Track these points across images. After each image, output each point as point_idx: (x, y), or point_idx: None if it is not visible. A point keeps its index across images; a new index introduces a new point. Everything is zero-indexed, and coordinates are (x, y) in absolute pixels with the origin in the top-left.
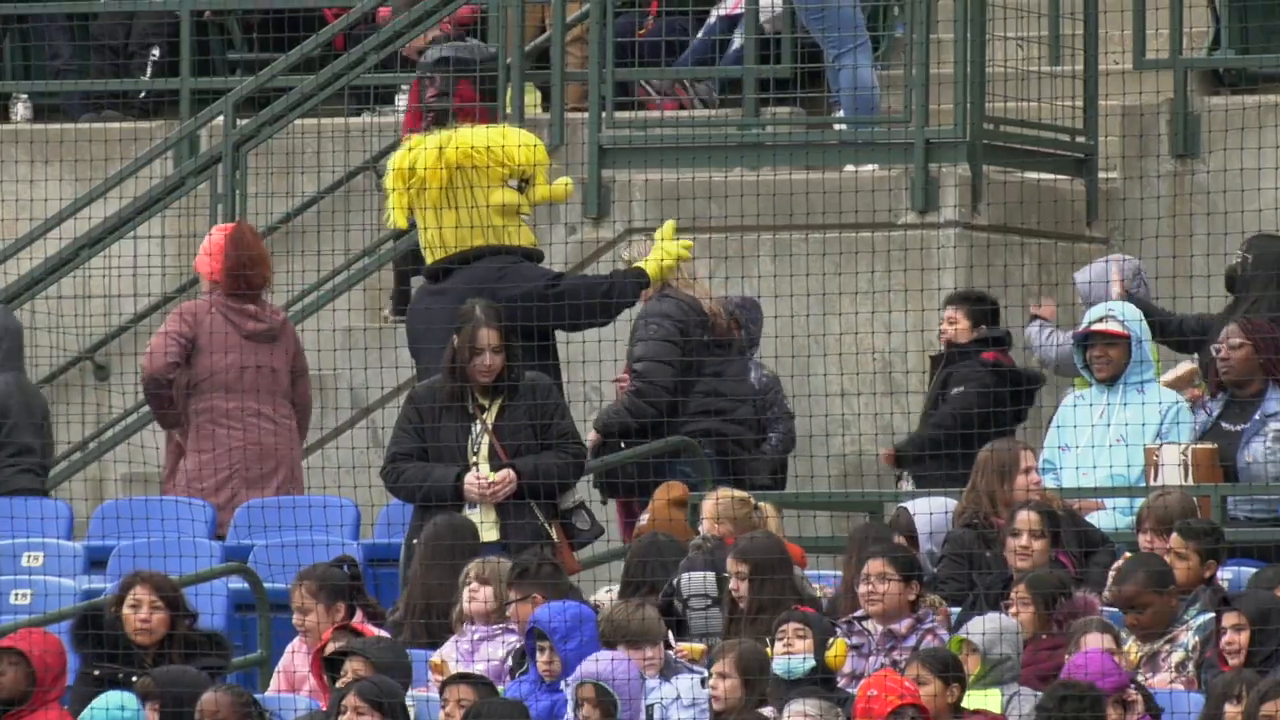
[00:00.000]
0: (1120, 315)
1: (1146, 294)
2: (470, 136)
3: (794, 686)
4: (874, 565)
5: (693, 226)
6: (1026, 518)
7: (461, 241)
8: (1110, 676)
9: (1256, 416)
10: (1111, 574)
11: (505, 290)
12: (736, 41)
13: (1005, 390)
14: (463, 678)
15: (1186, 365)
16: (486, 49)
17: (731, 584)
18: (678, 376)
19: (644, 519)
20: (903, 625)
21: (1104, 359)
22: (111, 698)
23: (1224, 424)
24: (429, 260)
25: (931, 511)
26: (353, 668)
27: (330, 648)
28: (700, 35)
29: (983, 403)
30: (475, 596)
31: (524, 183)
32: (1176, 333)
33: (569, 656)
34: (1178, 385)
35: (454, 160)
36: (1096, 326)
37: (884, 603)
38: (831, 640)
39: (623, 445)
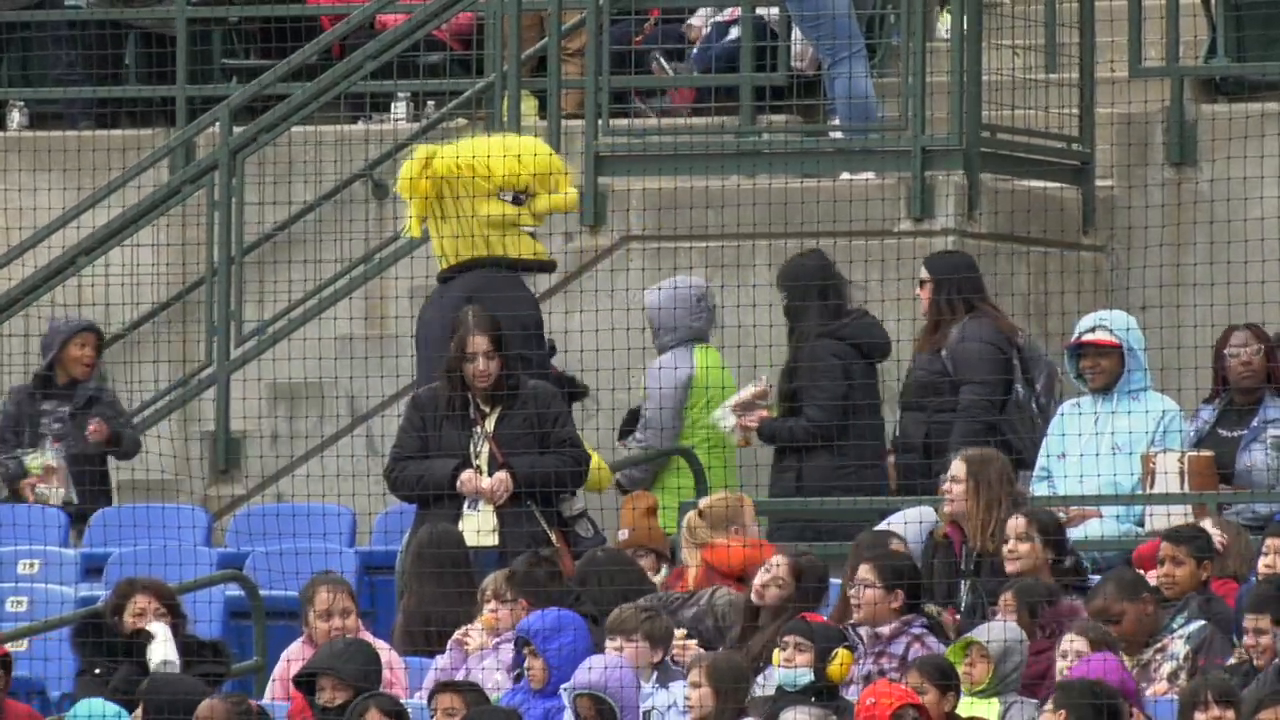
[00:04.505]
0: (1110, 325)
1: (708, 320)
2: (456, 149)
3: (789, 695)
4: (861, 570)
5: (690, 234)
6: (1013, 523)
7: (459, 252)
8: (1112, 679)
9: (1255, 422)
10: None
11: (498, 302)
12: (733, 33)
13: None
14: (450, 685)
15: (751, 388)
16: None
17: (763, 579)
18: None
19: (624, 534)
20: (887, 629)
21: (1096, 369)
22: (94, 705)
23: (1221, 430)
24: (440, 267)
25: (906, 521)
26: (328, 685)
27: (294, 669)
28: (700, 44)
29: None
30: (496, 612)
31: (520, 195)
32: None
33: (554, 659)
34: (744, 408)
35: (440, 172)
36: (1087, 337)
37: (862, 609)
38: (835, 651)
39: None
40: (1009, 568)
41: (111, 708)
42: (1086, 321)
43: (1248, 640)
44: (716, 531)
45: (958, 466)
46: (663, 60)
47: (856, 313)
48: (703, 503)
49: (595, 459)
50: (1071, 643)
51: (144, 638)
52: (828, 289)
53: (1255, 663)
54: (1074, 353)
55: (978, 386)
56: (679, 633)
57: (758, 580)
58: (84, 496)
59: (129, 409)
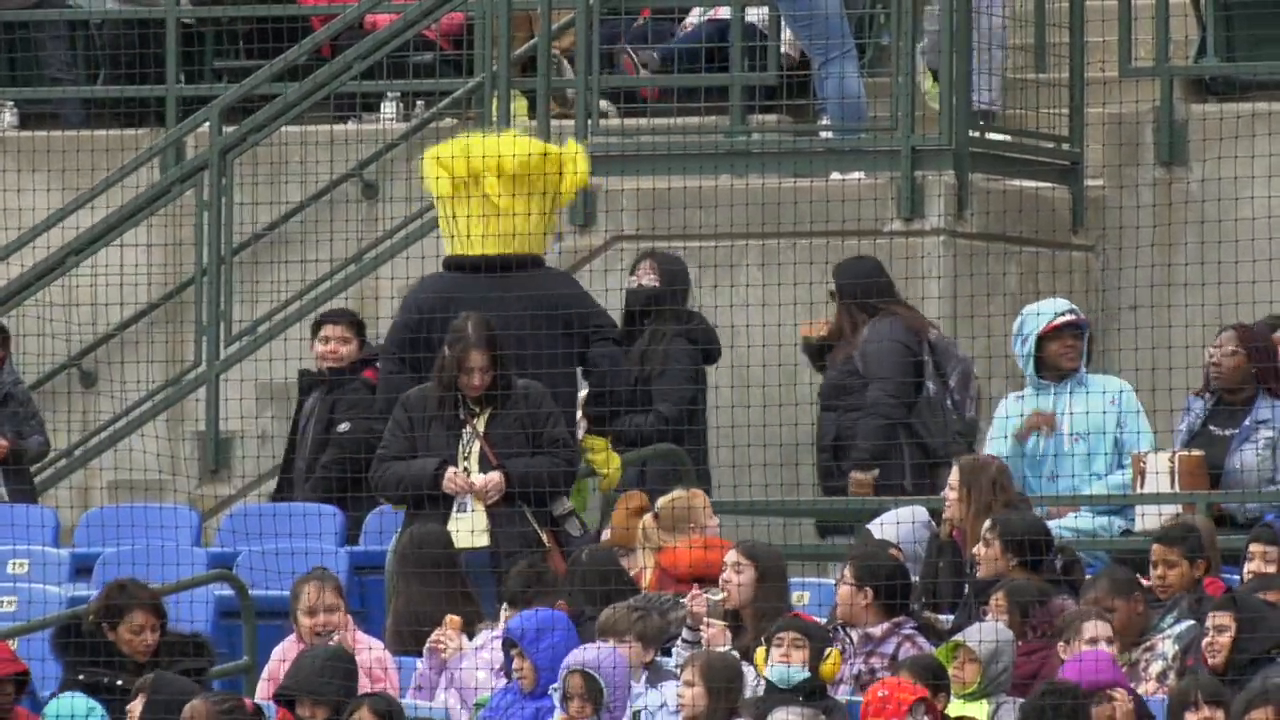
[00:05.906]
0: (1076, 306)
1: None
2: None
3: (779, 694)
4: (845, 569)
5: (681, 234)
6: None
7: (533, 246)
8: (1105, 674)
9: (1247, 422)
10: None
11: (584, 312)
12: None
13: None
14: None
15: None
16: None
17: (727, 574)
18: None
19: (606, 534)
20: (879, 629)
21: (1075, 350)
22: (67, 702)
23: (1213, 428)
24: (485, 247)
25: (899, 521)
26: (308, 702)
27: (285, 668)
28: (686, 34)
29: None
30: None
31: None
32: None
33: (543, 660)
34: None
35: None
36: (1064, 319)
37: (839, 606)
38: (828, 651)
39: None
40: (979, 572)
41: (83, 703)
42: (1049, 306)
43: (1205, 639)
44: (672, 534)
45: (953, 473)
46: (631, 52)
47: (698, 316)
48: (659, 503)
49: (616, 460)
50: (1098, 625)
51: None
52: (686, 292)
53: (1210, 661)
54: (1036, 342)
55: (884, 383)
56: (701, 600)
57: (723, 580)
58: (14, 495)
59: (121, 408)
